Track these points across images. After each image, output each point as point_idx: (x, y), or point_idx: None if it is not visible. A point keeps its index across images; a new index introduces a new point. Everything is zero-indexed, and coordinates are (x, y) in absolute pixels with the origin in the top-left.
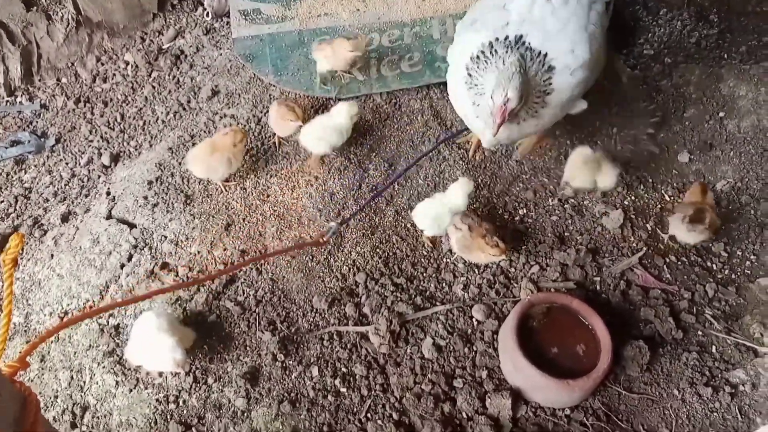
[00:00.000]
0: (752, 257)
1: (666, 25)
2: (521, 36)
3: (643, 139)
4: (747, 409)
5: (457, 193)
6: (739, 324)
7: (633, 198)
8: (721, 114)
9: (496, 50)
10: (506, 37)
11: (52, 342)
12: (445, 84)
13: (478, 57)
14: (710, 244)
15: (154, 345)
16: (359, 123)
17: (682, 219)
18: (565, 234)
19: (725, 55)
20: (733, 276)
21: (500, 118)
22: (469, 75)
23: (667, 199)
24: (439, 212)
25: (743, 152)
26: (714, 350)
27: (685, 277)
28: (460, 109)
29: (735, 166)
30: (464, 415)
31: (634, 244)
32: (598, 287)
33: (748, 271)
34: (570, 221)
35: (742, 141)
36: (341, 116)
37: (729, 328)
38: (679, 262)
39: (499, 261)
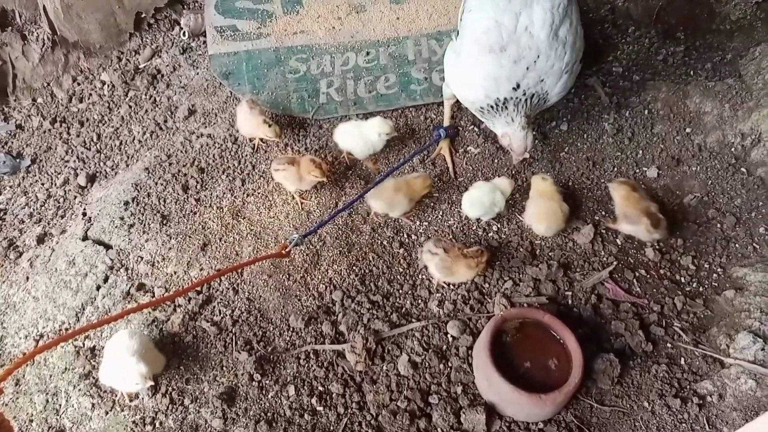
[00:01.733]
0: (719, 270)
1: (634, 42)
2: (540, 91)
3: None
4: (714, 419)
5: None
6: (706, 336)
7: (603, 213)
8: (688, 130)
9: (506, 106)
10: (523, 93)
11: (27, 365)
12: (420, 106)
13: (491, 107)
14: (679, 258)
15: (122, 366)
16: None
17: (645, 228)
18: (537, 249)
19: (691, 72)
20: (700, 289)
21: (520, 161)
22: (481, 110)
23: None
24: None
25: (709, 167)
26: (683, 362)
27: (655, 290)
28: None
29: (702, 181)
30: (439, 431)
31: (605, 258)
32: (569, 301)
33: (715, 284)
34: (541, 236)
35: (708, 156)
36: (370, 130)
37: (697, 340)
38: (649, 276)
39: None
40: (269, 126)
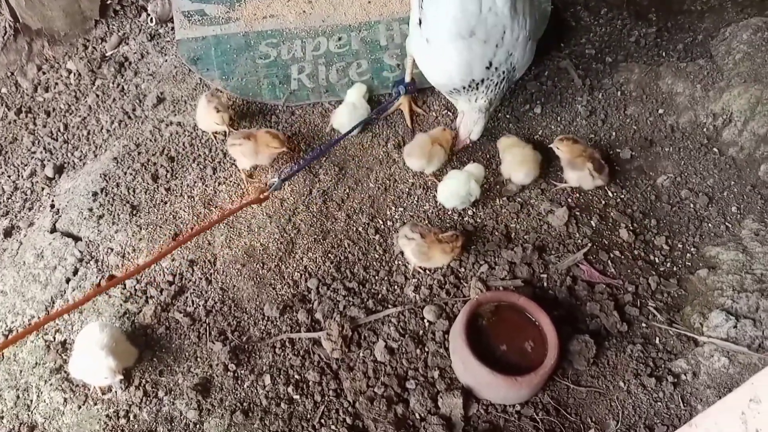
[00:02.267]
0: (692, 249)
1: (606, 24)
2: (509, 66)
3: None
4: (689, 397)
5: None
6: (680, 315)
7: (577, 195)
8: (661, 111)
9: (477, 86)
10: (495, 70)
11: None
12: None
13: (468, 87)
14: (653, 238)
15: (92, 359)
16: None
17: (590, 172)
18: (512, 232)
19: (663, 53)
20: (674, 268)
21: (461, 147)
22: (452, 92)
23: (610, 195)
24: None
25: (682, 147)
26: (657, 341)
27: (629, 270)
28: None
29: (674, 162)
30: (417, 416)
31: (579, 241)
32: (545, 284)
33: (689, 263)
34: (516, 219)
35: (681, 137)
36: (353, 97)
37: (671, 320)
38: (623, 257)
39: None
40: (217, 111)
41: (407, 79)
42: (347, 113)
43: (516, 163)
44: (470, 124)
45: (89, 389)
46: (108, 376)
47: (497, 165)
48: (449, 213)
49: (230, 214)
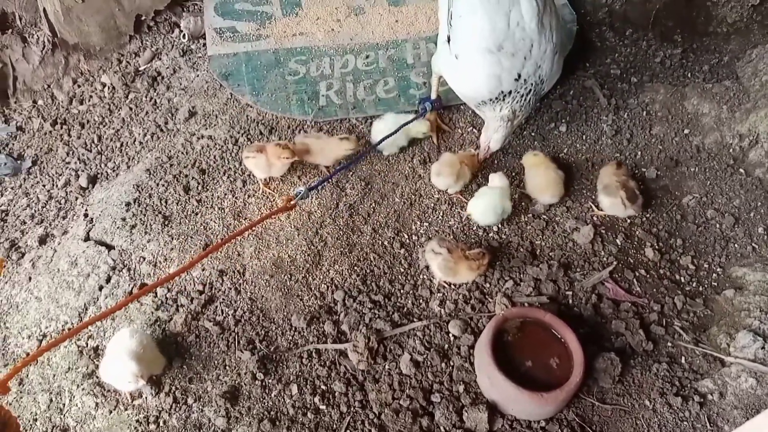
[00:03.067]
0: (718, 269)
1: (631, 45)
2: (537, 79)
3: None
4: (715, 417)
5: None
6: (706, 335)
7: (603, 214)
8: (686, 131)
9: (504, 98)
10: (524, 82)
11: (30, 365)
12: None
13: (496, 98)
14: (679, 258)
15: (119, 364)
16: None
17: (621, 201)
18: (537, 249)
19: (689, 74)
20: (700, 288)
21: (482, 157)
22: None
23: (635, 214)
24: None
25: (708, 168)
26: (683, 361)
27: (655, 290)
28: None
29: (700, 182)
30: (442, 430)
31: (605, 259)
32: (570, 301)
33: (715, 284)
34: (542, 236)
35: (707, 157)
36: (415, 129)
37: (697, 339)
38: (649, 276)
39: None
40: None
41: (433, 96)
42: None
43: (541, 187)
44: (491, 132)
45: (120, 395)
46: (131, 381)
47: (521, 181)
48: (474, 229)
49: (258, 222)
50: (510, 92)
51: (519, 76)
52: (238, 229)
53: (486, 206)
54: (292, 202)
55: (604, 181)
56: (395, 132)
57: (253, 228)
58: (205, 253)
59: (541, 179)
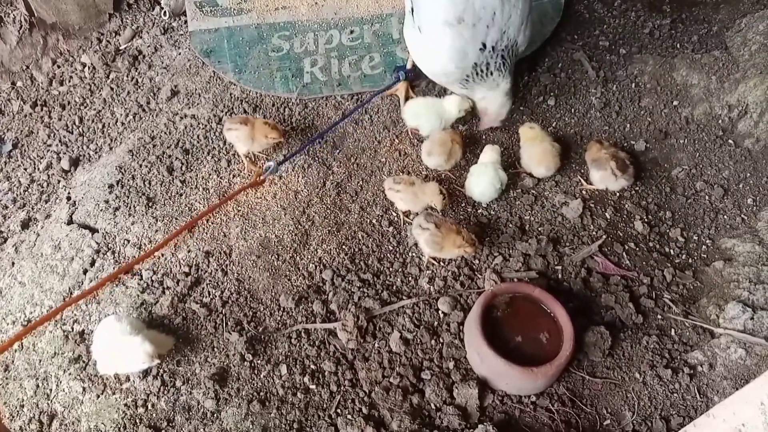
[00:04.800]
0: (708, 242)
1: (620, 16)
2: (507, 41)
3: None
4: (705, 388)
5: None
6: (696, 307)
7: (594, 188)
8: (675, 102)
9: (490, 71)
10: (492, 50)
11: (15, 351)
12: None
13: (477, 73)
14: (668, 230)
15: (123, 349)
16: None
17: (611, 171)
18: (527, 224)
19: (678, 45)
20: (689, 260)
21: (486, 128)
22: (465, 80)
23: (625, 187)
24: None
25: (697, 139)
26: (673, 333)
27: (644, 262)
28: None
29: (689, 153)
30: (432, 406)
31: (594, 233)
32: (559, 276)
33: (704, 255)
34: (530, 212)
35: (696, 128)
36: (451, 106)
37: (687, 311)
38: (638, 249)
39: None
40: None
41: (409, 65)
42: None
43: (537, 159)
44: (497, 107)
45: (108, 379)
46: (145, 361)
47: (510, 156)
48: (462, 205)
49: (230, 199)
50: (487, 64)
51: (484, 45)
52: (210, 206)
53: (485, 183)
54: (261, 177)
55: (592, 156)
56: (364, 104)
57: (224, 204)
58: (173, 234)
59: (537, 151)
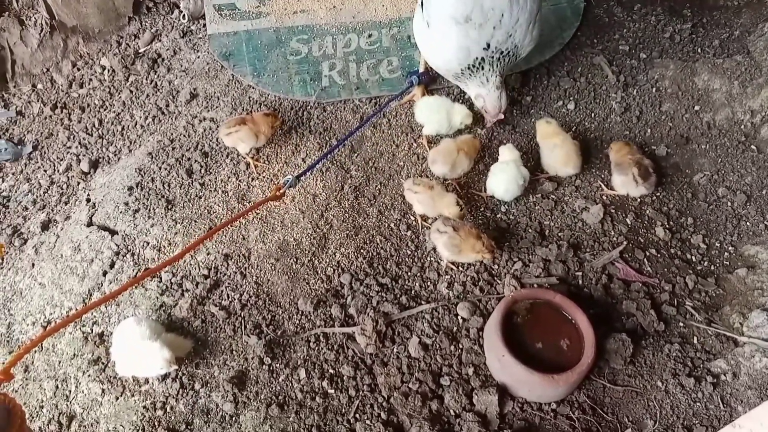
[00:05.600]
0: (730, 248)
1: (640, 20)
2: (510, 46)
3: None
4: (729, 398)
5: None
6: (719, 314)
7: (613, 193)
8: (697, 107)
9: (481, 66)
10: (495, 50)
11: (35, 352)
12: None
13: (470, 68)
14: (690, 237)
15: (141, 353)
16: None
17: (633, 177)
18: (546, 230)
19: (699, 50)
20: (712, 267)
21: (496, 120)
22: (462, 73)
23: (645, 192)
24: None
25: (719, 145)
26: (695, 341)
27: (666, 269)
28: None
29: (711, 159)
30: (452, 413)
31: (615, 238)
32: (580, 282)
33: (727, 262)
34: (550, 217)
35: (718, 134)
36: (459, 116)
37: (709, 319)
38: (659, 255)
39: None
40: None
41: (421, 69)
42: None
43: (562, 160)
44: (495, 101)
45: (127, 381)
46: (163, 367)
47: (529, 159)
48: (482, 210)
49: (248, 212)
50: (482, 59)
51: (488, 45)
52: (225, 221)
53: (507, 181)
54: (280, 191)
55: (616, 159)
56: (379, 111)
57: (241, 218)
58: (188, 249)
59: (560, 152)
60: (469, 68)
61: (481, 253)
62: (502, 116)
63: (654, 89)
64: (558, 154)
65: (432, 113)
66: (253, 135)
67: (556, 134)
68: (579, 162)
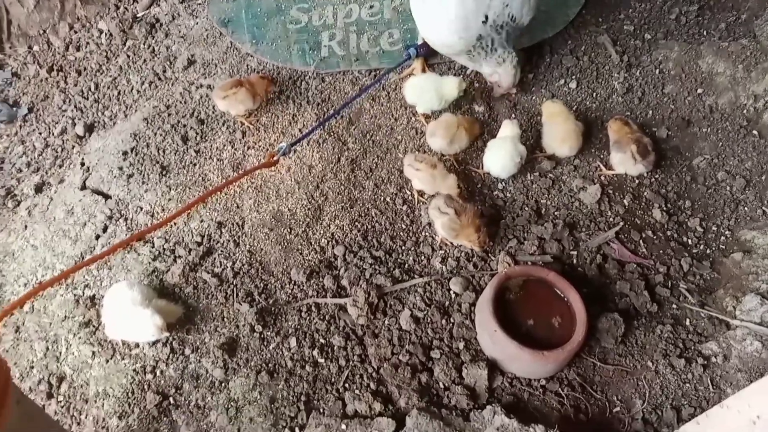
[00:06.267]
0: (727, 232)
1: (646, 0)
2: (508, 17)
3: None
4: (718, 380)
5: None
6: (712, 297)
7: (611, 173)
8: (699, 90)
9: (494, 48)
10: (494, 23)
11: (26, 313)
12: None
13: (481, 48)
14: (687, 219)
15: (133, 319)
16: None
17: (631, 155)
18: (543, 208)
19: (704, 32)
20: (708, 251)
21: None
22: (469, 54)
23: (644, 174)
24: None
25: (720, 129)
26: (688, 323)
27: (661, 251)
28: (454, 58)
29: (712, 143)
30: (441, 385)
31: (611, 219)
32: (574, 261)
33: (723, 246)
34: (547, 195)
35: (720, 118)
36: (450, 88)
37: (703, 302)
38: (655, 237)
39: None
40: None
41: (419, 41)
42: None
43: (560, 139)
44: (509, 79)
45: (117, 344)
46: (155, 334)
47: (530, 137)
48: (479, 187)
49: (240, 178)
50: (483, 36)
51: (486, 18)
52: (217, 186)
53: (505, 158)
54: (275, 158)
55: (615, 137)
56: (376, 82)
57: (234, 184)
58: (179, 212)
59: (560, 130)
60: (480, 48)
61: (473, 244)
62: (514, 90)
63: (657, 71)
64: (557, 132)
65: (422, 93)
66: (250, 97)
67: (560, 113)
68: (577, 144)
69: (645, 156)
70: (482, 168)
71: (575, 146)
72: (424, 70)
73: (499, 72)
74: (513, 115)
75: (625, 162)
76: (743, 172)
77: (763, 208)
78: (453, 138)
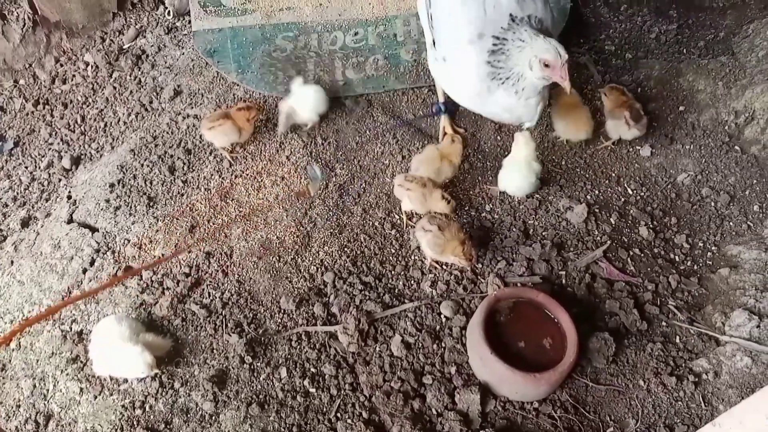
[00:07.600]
0: (713, 248)
1: (626, 20)
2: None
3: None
4: (710, 397)
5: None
6: (701, 314)
7: (597, 192)
8: (681, 108)
9: (505, 38)
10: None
11: (13, 350)
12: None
13: (494, 51)
14: (673, 236)
15: (122, 355)
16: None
17: (625, 120)
18: (531, 229)
19: (684, 51)
20: (695, 267)
21: (566, 74)
22: (494, 67)
23: (630, 193)
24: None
25: (703, 145)
26: (678, 340)
27: (649, 269)
28: (489, 111)
29: (695, 159)
30: (434, 412)
31: (599, 238)
32: (563, 281)
33: (710, 262)
34: (535, 216)
35: (702, 134)
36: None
37: (692, 318)
38: (643, 255)
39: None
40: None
41: (440, 99)
42: None
43: (578, 125)
44: (551, 51)
45: (105, 380)
46: (144, 371)
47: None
48: (466, 208)
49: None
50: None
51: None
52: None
53: (520, 179)
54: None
55: (609, 106)
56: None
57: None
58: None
59: (576, 117)
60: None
61: (459, 258)
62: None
63: (639, 89)
64: (573, 120)
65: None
66: (236, 130)
67: (576, 104)
68: (591, 127)
69: (638, 120)
70: (497, 185)
71: (590, 130)
72: (453, 129)
73: (540, 57)
74: (494, 136)
75: (619, 127)
76: (727, 187)
77: (748, 222)
78: (437, 172)
